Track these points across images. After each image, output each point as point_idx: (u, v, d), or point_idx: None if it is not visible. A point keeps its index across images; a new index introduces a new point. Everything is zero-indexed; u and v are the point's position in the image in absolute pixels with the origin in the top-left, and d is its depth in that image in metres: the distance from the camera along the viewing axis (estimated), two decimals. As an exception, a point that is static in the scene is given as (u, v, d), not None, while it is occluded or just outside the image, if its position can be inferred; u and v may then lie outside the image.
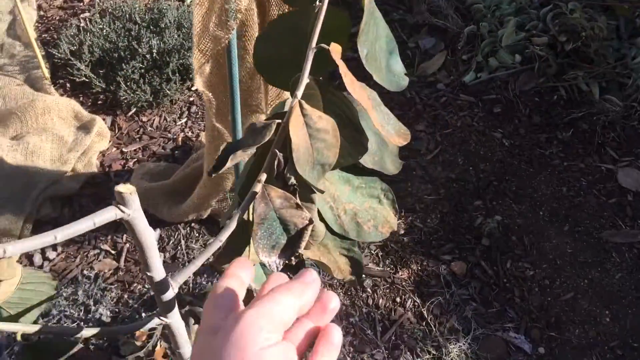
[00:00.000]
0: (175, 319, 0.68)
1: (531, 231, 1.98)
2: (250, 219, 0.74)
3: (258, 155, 0.73)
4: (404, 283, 1.86)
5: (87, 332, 0.60)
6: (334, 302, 0.46)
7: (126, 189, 0.46)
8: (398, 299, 1.83)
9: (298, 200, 0.66)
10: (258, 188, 0.65)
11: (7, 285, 0.55)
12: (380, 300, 1.82)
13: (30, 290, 0.62)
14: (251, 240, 0.75)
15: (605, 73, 2.39)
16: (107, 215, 0.46)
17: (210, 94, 1.52)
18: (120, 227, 2.02)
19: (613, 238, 1.96)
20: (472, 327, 1.74)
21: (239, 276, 0.50)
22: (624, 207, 2.04)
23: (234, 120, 1.36)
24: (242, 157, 0.64)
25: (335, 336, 0.44)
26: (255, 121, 0.74)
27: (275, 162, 0.66)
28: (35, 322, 0.58)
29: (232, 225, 0.65)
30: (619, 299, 1.81)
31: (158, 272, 0.58)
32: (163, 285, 0.60)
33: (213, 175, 0.65)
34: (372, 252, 1.94)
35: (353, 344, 1.71)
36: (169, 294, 0.63)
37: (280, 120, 0.67)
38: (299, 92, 0.68)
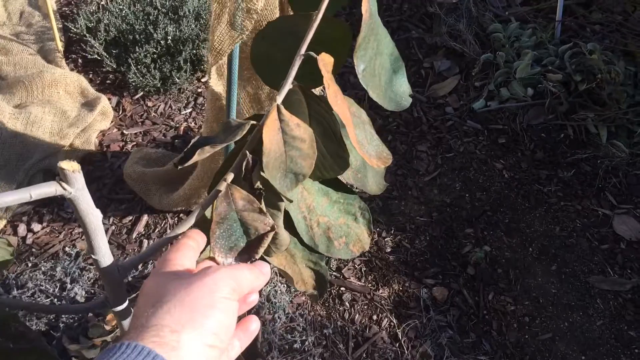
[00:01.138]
0: (123, 305, 0.67)
1: (518, 266, 1.96)
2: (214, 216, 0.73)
3: (231, 154, 0.72)
4: (383, 301, 1.85)
5: (30, 307, 0.59)
6: (254, 297, 0.57)
7: (69, 166, 0.46)
8: (375, 317, 1.81)
9: (262, 205, 0.65)
10: (222, 187, 0.64)
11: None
12: (357, 316, 1.80)
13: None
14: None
15: (615, 118, 2.37)
16: (46, 189, 0.45)
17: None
18: (108, 207, 2.01)
19: (600, 284, 1.93)
20: (445, 355, 1.71)
21: (196, 240, 0.58)
22: (615, 254, 2.01)
23: (228, 117, 1.36)
24: (210, 152, 0.63)
25: (252, 325, 0.56)
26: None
27: (244, 164, 0.65)
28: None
29: (190, 221, 0.64)
30: (597, 346, 1.78)
31: (104, 256, 0.57)
32: (109, 271, 0.59)
33: (179, 167, 0.64)
34: (356, 266, 1.93)
35: (323, 356, 1.70)
36: (117, 281, 0.62)
37: (255, 122, 0.66)
38: (280, 97, 0.67)
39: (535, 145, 2.36)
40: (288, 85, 0.68)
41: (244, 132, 0.63)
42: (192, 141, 0.59)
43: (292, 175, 0.68)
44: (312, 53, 0.67)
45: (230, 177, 0.64)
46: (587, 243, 2.04)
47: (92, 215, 0.50)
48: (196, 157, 0.61)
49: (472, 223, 2.07)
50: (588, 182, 2.23)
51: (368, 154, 0.77)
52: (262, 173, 0.66)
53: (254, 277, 0.53)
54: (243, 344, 0.55)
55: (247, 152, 0.65)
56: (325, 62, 0.67)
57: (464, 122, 2.45)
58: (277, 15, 1.33)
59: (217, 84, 1.49)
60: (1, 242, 0.63)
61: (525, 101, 2.47)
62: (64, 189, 0.45)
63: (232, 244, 0.59)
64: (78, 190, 0.47)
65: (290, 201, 0.73)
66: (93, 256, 0.55)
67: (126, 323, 0.69)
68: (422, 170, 2.25)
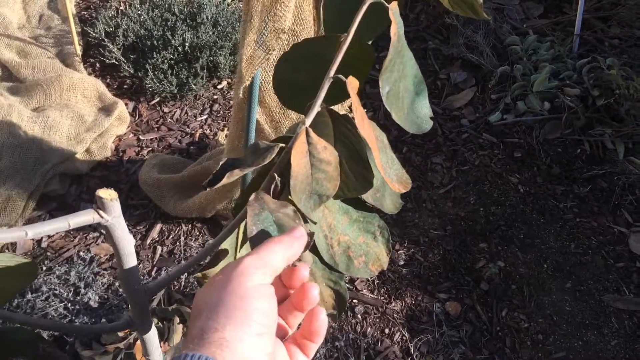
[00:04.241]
0: (147, 325, 0.67)
1: (532, 283, 1.94)
2: (239, 237, 0.72)
3: (258, 175, 0.72)
4: (395, 315, 1.84)
5: (54, 326, 0.59)
6: (303, 272, 0.55)
7: (107, 194, 0.46)
8: (387, 330, 1.80)
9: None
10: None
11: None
12: (369, 329, 1.80)
13: (9, 273, 0.61)
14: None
15: (633, 134, 2.35)
16: (84, 218, 0.45)
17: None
18: (122, 213, 2.02)
19: (615, 303, 1.91)
20: (457, 371, 1.70)
21: None
22: (630, 273, 1.99)
23: (248, 133, 1.36)
24: (239, 175, 0.63)
25: (310, 292, 0.52)
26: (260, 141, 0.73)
27: (272, 186, 0.65)
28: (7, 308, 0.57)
29: (217, 242, 0.64)
30: (611, 366, 1.76)
31: (133, 280, 0.57)
32: (137, 293, 0.59)
33: (208, 188, 0.64)
34: (369, 278, 1.92)
35: (334, 369, 1.69)
36: (143, 302, 0.62)
37: (284, 145, 0.66)
38: (308, 120, 0.67)
39: (552, 160, 2.34)
40: (317, 108, 0.68)
41: (273, 155, 0.63)
42: (220, 163, 0.59)
43: (317, 196, 0.68)
44: (341, 76, 0.67)
45: (257, 199, 0.64)
46: (603, 261, 2.02)
47: (126, 241, 0.50)
48: (225, 180, 0.61)
49: (487, 237, 2.06)
50: (604, 199, 2.21)
51: (390, 178, 0.76)
52: (289, 196, 0.66)
53: (285, 248, 0.51)
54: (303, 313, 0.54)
55: (276, 175, 0.65)
56: (353, 85, 0.67)
57: (479, 135, 2.44)
58: (312, 33, 1.33)
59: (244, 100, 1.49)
60: (25, 263, 0.63)
61: (542, 115, 2.46)
62: (101, 216, 0.45)
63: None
64: (114, 218, 0.47)
65: (315, 223, 0.72)
66: (123, 280, 0.55)
67: (149, 341, 0.69)
68: (436, 183, 2.25)
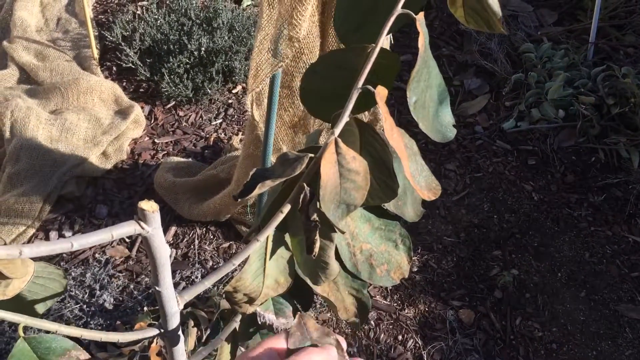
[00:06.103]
0: (176, 334, 0.68)
1: (546, 291, 1.94)
2: (268, 248, 0.73)
3: (286, 185, 0.73)
4: (408, 322, 1.84)
5: (89, 334, 0.60)
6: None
7: (149, 206, 0.46)
8: (400, 337, 1.80)
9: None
10: (279, 218, 0.65)
11: (19, 281, 0.55)
12: (382, 335, 1.80)
13: (40, 284, 0.62)
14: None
15: (648, 143, 2.35)
16: (126, 229, 0.46)
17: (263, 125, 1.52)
18: (139, 216, 2.03)
19: (629, 313, 1.90)
20: (471, 379, 1.70)
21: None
22: (645, 283, 1.99)
23: (266, 145, 1.36)
24: (271, 185, 0.64)
25: None
26: (288, 151, 0.74)
27: (302, 196, 0.66)
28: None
29: (246, 253, 0.65)
30: (626, 377, 1.75)
31: (167, 288, 0.58)
32: (170, 302, 0.60)
33: (239, 200, 0.65)
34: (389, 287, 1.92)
35: (348, 375, 1.69)
36: (175, 311, 0.63)
37: (312, 155, 0.67)
38: (337, 130, 0.67)
39: (566, 168, 2.34)
40: (345, 118, 0.68)
41: (303, 166, 0.64)
42: (251, 173, 0.60)
43: (345, 206, 0.68)
44: (369, 87, 0.68)
45: (286, 208, 0.65)
46: (617, 270, 2.01)
47: (163, 250, 0.51)
48: (257, 191, 0.62)
49: (500, 245, 2.06)
50: (619, 208, 2.20)
51: (419, 186, 0.77)
52: (317, 206, 0.67)
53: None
54: None
55: (305, 185, 0.65)
56: (382, 95, 0.68)
57: (493, 142, 2.44)
58: (318, 43, 1.34)
59: (255, 111, 1.50)
60: (57, 274, 0.64)
61: (556, 123, 2.46)
62: (142, 227, 0.46)
63: None
64: (155, 229, 0.48)
65: (343, 232, 0.73)
66: (157, 288, 0.56)
67: (176, 348, 0.70)
68: (450, 190, 2.25)
